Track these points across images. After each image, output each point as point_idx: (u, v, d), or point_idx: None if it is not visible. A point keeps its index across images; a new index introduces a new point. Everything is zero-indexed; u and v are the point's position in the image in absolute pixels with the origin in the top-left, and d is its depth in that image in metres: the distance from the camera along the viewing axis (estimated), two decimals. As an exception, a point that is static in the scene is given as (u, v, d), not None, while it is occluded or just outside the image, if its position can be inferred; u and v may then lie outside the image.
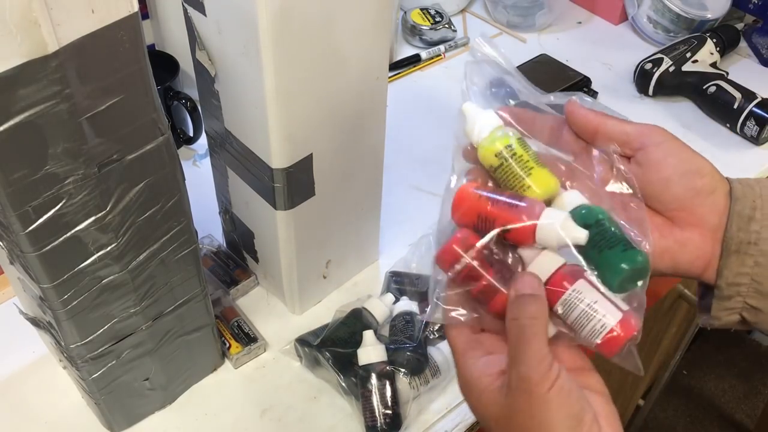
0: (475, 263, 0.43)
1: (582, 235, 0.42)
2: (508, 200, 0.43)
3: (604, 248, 0.42)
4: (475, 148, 0.45)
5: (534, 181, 0.44)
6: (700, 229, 0.45)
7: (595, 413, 0.40)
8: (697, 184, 0.44)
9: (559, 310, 0.42)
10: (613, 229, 0.43)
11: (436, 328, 0.71)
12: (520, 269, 0.43)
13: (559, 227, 0.42)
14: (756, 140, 0.95)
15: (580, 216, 0.43)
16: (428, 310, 0.44)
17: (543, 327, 0.40)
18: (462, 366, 0.43)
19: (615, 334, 0.41)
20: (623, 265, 0.42)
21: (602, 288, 0.42)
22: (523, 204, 0.43)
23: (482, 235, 0.43)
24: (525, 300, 0.41)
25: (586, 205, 0.44)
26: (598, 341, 0.41)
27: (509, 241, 0.43)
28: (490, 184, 0.45)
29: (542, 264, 0.43)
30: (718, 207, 0.44)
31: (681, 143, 0.45)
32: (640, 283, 0.43)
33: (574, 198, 0.45)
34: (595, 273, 0.43)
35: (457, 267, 0.43)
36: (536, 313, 0.40)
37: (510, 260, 0.44)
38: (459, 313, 0.44)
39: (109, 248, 0.50)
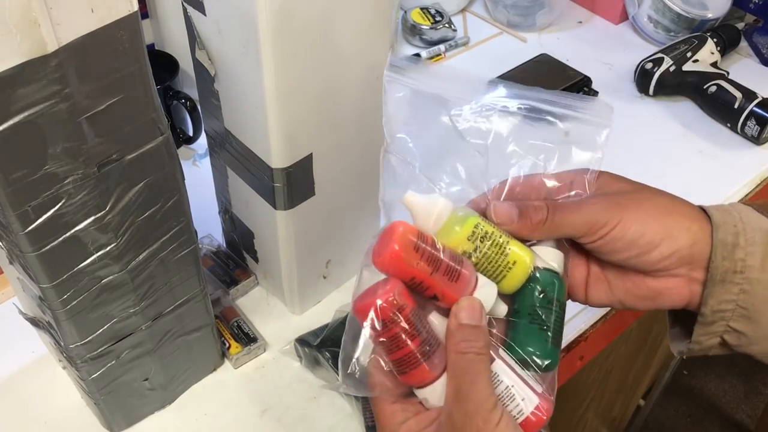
0: (404, 327, 0.39)
1: (504, 310, 0.42)
2: (448, 267, 0.40)
3: (530, 325, 0.42)
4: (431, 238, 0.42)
5: (518, 253, 0.42)
6: (673, 278, 0.45)
7: None
8: (653, 256, 0.44)
9: None
10: (551, 311, 0.42)
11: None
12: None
13: (492, 301, 0.41)
14: (756, 140, 0.95)
15: (539, 280, 0.43)
16: (341, 378, 0.41)
17: (488, 362, 0.40)
18: (389, 430, 0.42)
19: (530, 420, 0.41)
20: (536, 360, 0.42)
21: (516, 366, 0.42)
22: (465, 272, 0.41)
23: (414, 294, 0.40)
24: (472, 332, 0.40)
25: (553, 275, 0.44)
26: (517, 423, 0.41)
27: (437, 303, 0.42)
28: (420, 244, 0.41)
29: (484, 290, 0.42)
30: (684, 259, 0.44)
31: (630, 216, 0.43)
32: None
33: (548, 254, 0.44)
34: (511, 346, 0.42)
35: (385, 328, 0.39)
36: (483, 348, 0.40)
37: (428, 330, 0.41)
38: (384, 384, 0.41)
39: (108, 248, 0.50)
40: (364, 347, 0.40)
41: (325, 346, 0.67)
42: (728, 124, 0.98)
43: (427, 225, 0.42)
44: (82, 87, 0.42)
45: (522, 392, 0.41)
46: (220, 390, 0.68)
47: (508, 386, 0.41)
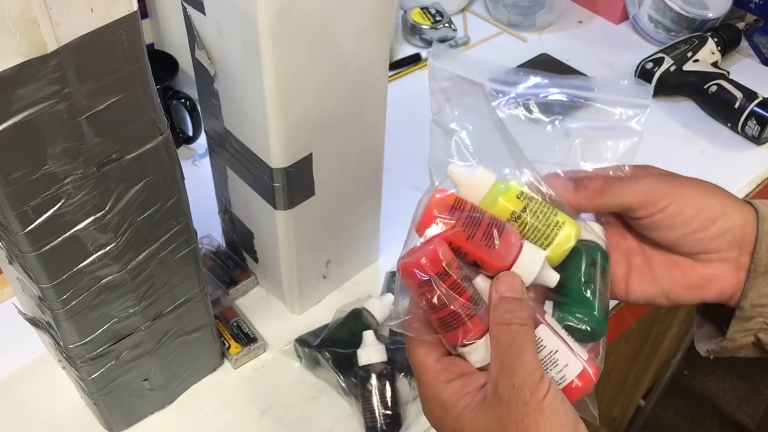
0: (443, 287, 0.39)
1: (554, 278, 0.42)
2: (486, 232, 0.40)
3: (577, 297, 0.42)
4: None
5: (564, 221, 0.42)
6: (723, 263, 0.45)
7: None
8: (711, 233, 0.44)
9: None
10: (598, 280, 0.42)
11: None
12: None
13: (537, 268, 0.41)
14: (757, 140, 0.95)
15: (586, 251, 0.43)
16: (395, 320, 0.41)
17: (533, 334, 0.40)
18: (434, 389, 0.41)
19: (574, 386, 0.40)
20: (583, 327, 0.42)
21: (562, 332, 0.42)
22: (501, 243, 0.40)
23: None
24: (514, 304, 0.40)
25: (598, 246, 0.44)
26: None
27: (482, 270, 0.41)
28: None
29: (528, 256, 0.41)
30: (737, 240, 0.44)
31: (688, 191, 0.44)
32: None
33: (591, 228, 0.44)
34: (557, 313, 0.42)
35: (435, 282, 0.39)
36: (527, 319, 0.39)
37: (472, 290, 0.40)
38: (431, 334, 0.41)
39: (108, 248, 0.50)
40: (406, 300, 0.41)
41: (325, 346, 0.67)
42: (729, 124, 0.98)
43: (471, 195, 0.42)
44: (81, 87, 0.42)
45: (566, 358, 0.40)
46: (220, 390, 0.68)
47: (551, 351, 0.40)
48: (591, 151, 0.46)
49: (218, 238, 0.80)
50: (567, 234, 0.42)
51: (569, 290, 0.42)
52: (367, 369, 0.64)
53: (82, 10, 0.40)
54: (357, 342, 0.66)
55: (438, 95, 0.44)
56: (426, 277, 0.39)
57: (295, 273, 0.70)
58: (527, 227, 0.42)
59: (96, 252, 0.50)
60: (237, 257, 0.78)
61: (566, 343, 0.41)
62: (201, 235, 0.76)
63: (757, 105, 0.94)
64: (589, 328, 0.42)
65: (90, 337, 0.55)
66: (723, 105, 0.97)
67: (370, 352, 0.65)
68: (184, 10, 0.59)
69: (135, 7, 0.42)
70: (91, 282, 0.51)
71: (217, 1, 0.54)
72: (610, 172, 0.45)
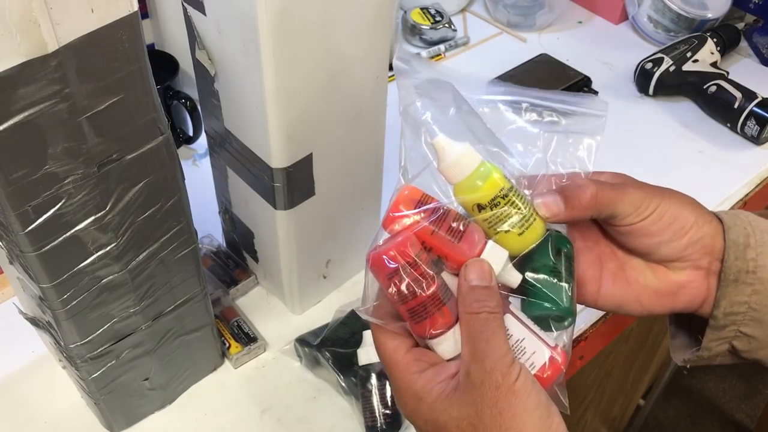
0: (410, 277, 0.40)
1: (517, 279, 0.42)
2: (450, 227, 0.41)
3: (544, 286, 0.42)
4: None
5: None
6: (694, 270, 0.46)
7: None
8: (684, 242, 0.45)
9: None
10: (563, 268, 0.43)
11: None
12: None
13: (499, 267, 0.41)
14: (756, 140, 0.95)
15: (551, 239, 0.43)
16: (364, 307, 0.42)
17: (501, 320, 0.40)
18: (407, 380, 0.41)
19: (544, 374, 0.41)
20: (553, 315, 0.42)
21: (528, 322, 0.42)
22: (464, 239, 0.41)
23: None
24: (482, 293, 0.40)
25: (558, 234, 0.44)
26: None
27: (444, 266, 0.42)
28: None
29: (492, 254, 0.41)
30: (707, 249, 0.45)
31: (665, 202, 0.45)
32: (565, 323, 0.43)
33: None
34: (527, 302, 0.43)
35: (405, 272, 0.40)
36: (496, 307, 0.40)
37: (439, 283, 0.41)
38: (399, 324, 0.42)
39: (108, 248, 0.50)
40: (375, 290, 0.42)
41: (325, 346, 0.67)
42: (728, 124, 0.98)
43: (452, 171, 0.42)
44: (82, 87, 0.42)
45: (533, 346, 0.41)
46: (220, 390, 0.68)
47: (518, 340, 0.41)
48: (558, 151, 0.46)
49: (218, 238, 0.80)
50: (539, 223, 0.43)
51: (537, 280, 0.43)
52: (367, 368, 0.64)
53: (82, 10, 0.40)
54: (357, 342, 0.66)
55: (408, 89, 0.44)
56: (395, 266, 0.39)
57: (295, 273, 0.70)
58: (513, 206, 0.42)
59: (96, 252, 0.50)
60: (237, 257, 0.78)
61: (533, 331, 0.42)
62: (201, 235, 0.76)
63: (757, 105, 0.94)
64: (558, 316, 0.42)
65: (90, 337, 0.55)
66: (722, 105, 0.97)
67: (370, 351, 0.65)
68: (185, 10, 0.59)
69: (135, 7, 0.42)
70: (92, 282, 0.51)
71: (218, 2, 0.54)
72: (564, 179, 0.45)
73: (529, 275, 0.43)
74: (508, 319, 0.41)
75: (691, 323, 0.50)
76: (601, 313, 0.77)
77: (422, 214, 0.41)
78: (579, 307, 0.78)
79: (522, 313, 0.43)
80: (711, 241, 0.45)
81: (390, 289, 0.40)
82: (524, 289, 0.43)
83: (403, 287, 0.40)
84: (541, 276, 0.43)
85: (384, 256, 0.40)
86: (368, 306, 0.42)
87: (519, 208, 0.42)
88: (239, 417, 0.66)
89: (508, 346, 0.39)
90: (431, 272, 0.40)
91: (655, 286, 0.47)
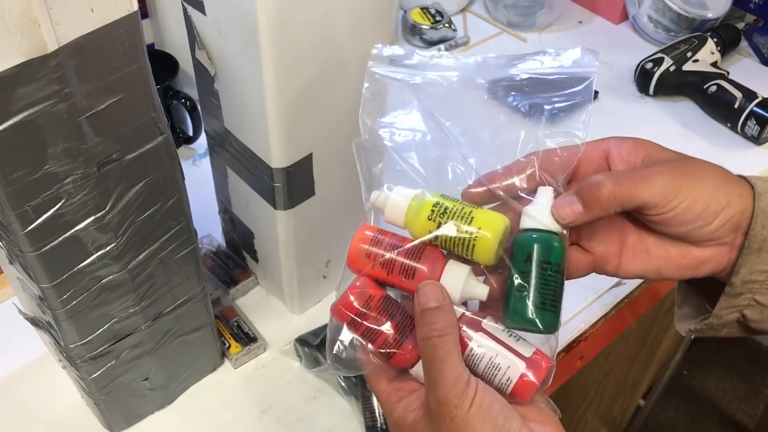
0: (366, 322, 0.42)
1: (483, 292, 0.42)
2: (402, 266, 0.42)
3: (510, 299, 0.42)
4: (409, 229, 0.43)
5: (481, 225, 0.41)
6: (719, 246, 0.44)
7: (522, 416, 0.40)
8: (714, 225, 0.43)
9: (467, 365, 0.41)
10: (534, 276, 0.41)
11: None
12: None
13: (460, 285, 0.41)
14: (757, 140, 0.95)
15: (519, 247, 0.42)
16: (329, 360, 0.44)
17: (454, 342, 0.40)
18: (387, 409, 0.43)
19: (525, 382, 0.41)
20: (520, 326, 0.42)
21: (502, 336, 0.42)
22: (422, 267, 0.42)
23: (382, 285, 0.43)
24: (432, 316, 0.40)
25: (535, 235, 0.42)
26: (509, 392, 0.41)
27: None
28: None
29: (450, 276, 0.42)
30: (734, 226, 0.43)
31: (697, 188, 0.43)
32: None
33: (538, 212, 0.43)
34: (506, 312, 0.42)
35: (357, 321, 0.42)
36: (444, 328, 0.40)
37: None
38: (372, 364, 0.43)
39: (108, 248, 0.50)
40: (346, 336, 0.43)
41: (325, 345, 0.67)
42: (728, 124, 0.98)
43: (396, 218, 0.43)
44: (82, 87, 0.42)
45: (507, 360, 0.41)
46: (220, 390, 0.68)
47: (491, 357, 0.41)
48: (550, 126, 0.45)
49: (218, 238, 0.80)
50: (485, 239, 0.41)
51: (506, 292, 0.42)
52: (367, 369, 0.64)
53: (82, 10, 0.40)
54: (357, 342, 0.66)
55: (369, 113, 0.46)
56: (349, 318, 0.42)
57: (295, 273, 0.70)
58: (447, 243, 0.42)
59: (96, 252, 0.50)
60: (237, 257, 0.78)
61: (506, 344, 0.41)
62: (201, 235, 0.76)
63: (757, 105, 0.94)
64: (524, 328, 0.42)
65: (90, 337, 0.55)
66: (723, 105, 0.97)
67: (370, 351, 0.65)
68: (185, 10, 0.59)
69: (135, 7, 0.42)
70: (92, 282, 0.51)
71: (217, 1, 0.54)
72: (558, 150, 0.44)
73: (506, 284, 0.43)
74: (479, 337, 0.41)
75: (700, 292, 0.49)
76: (601, 314, 0.77)
77: (374, 257, 0.42)
78: (579, 306, 0.78)
79: (498, 325, 0.42)
80: (739, 218, 0.43)
81: (355, 335, 0.43)
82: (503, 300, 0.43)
83: (363, 332, 0.42)
84: (508, 288, 0.42)
85: (337, 307, 0.43)
86: (323, 366, 0.46)
87: (454, 242, 0.41)
88: (239, 417, 0.66)
89: (461, 369, 0.39)
90: (382, 316, 0.42)
91: (676, 261, 0.45)
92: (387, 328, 0.42)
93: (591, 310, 0.77)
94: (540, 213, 0.43)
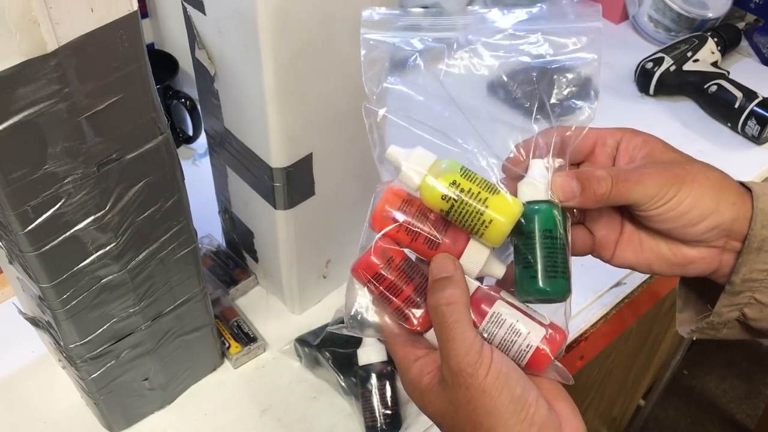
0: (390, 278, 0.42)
1: (500, 270, 0.43)
2: (427, 238, 0.42)
3: (519, 271, 0.42)
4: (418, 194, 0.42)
5: (495, 211, 0.41)
6: (709, 248, 0.46)
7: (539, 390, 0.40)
8: (700, 228, 0.44)
9: (484, 335, 0.41)
10: (538, 247, 0.42)
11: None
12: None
13: (480, 264, 0.42)
14: (757, 140, 0.95)
15: (528, 214, 0.42)
16: (346, 320, 0.44)
17: (463, 311, 0.40)
18: (403, 369, 0.43)
19: (542, 351, 0.41)
20: (533, 297, 0.42)
21: (520, 304, 0.42)
22: (446, 240, 0.42)
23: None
24: (440, 284, 0.40)
25: (536, 206, 0.42)
26: (525, 362, 0.41)
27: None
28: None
29: (472, 252, 0.42)
30: (724, 232, 0.45)
31: (686, 189, 0.44)
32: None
33: (536, 188, 0.43)
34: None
35: (378, 282, 0.42)
36: (453, 296, 0.40)
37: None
38: (389, 327, 0.43)
39: (108, 248, 0.50)
40: (363, 298, 0.43)
41: (325, 345, 0.67)
42: (729, 124, 0.98)
43: (410, 179, 0.42)
44: (81, 86, 0.42)
45: (528, 327, 0.41)
46: (220, 390, 0.68)
47: (512, 323, 0.41)
48: (555, 94, 0.46)
49: (218, 238, 0.80)
50: (494, 227, 0.41)
51: (515, 265, 0.43)
52: (367, 368, 0.64)
53: (82, 9, 0.40)
54: (357, 341, 0.66)
55: (373, 77, 0.45)
56: (368, 278, 0.42)
57: (295, 273, 0.70)
58: (459, 218, 0.42)
59: (96, 252, 0.50)
60: (237, 257, 0.78)
61: (525, 312, 0.42)
62: (201, 235, 0.76)
63: (757, 105, 0.94)
64: (540, 297, 0.42)
65: (90, 337, 0.55)
66: (723, 105, 0.97)
67: (370, 351, 0.65)
68: (184, 9, 0.59)
69: (135, 6, 0.42)
70: (91, 282, 0.51)
71: (217, 1, 0.54)
72: (568, 133, 0.45)
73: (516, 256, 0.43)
74: (499, 304, 0.42)
75: (700, 297, 0.50)
76: (601, 314, 0.77)
77: (400, 223, 0.42)
78: (579, 306, 0.78)
79: (513, 298, 0.43)
80: (730, 226, 0.44)
81: (372, 296, 0.43)
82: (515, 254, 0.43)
83: (381, 293, 0.42)
84: (517, 261, 0.42)
85: (356, 268, 0.42)
86: (338, 321, 0.44)
87: (467, 219, 0.41)
88: (239, 417, 0.66)
89: (472, 337, 0.39)
90: (402, 280, 0.42)
91: (667, 257, 0.47)
92: (406, 289, 0.42)
93: (591, 310, 0.77)
94: (537, 185, 0.43)
